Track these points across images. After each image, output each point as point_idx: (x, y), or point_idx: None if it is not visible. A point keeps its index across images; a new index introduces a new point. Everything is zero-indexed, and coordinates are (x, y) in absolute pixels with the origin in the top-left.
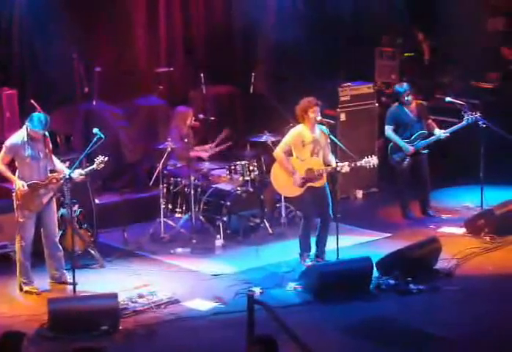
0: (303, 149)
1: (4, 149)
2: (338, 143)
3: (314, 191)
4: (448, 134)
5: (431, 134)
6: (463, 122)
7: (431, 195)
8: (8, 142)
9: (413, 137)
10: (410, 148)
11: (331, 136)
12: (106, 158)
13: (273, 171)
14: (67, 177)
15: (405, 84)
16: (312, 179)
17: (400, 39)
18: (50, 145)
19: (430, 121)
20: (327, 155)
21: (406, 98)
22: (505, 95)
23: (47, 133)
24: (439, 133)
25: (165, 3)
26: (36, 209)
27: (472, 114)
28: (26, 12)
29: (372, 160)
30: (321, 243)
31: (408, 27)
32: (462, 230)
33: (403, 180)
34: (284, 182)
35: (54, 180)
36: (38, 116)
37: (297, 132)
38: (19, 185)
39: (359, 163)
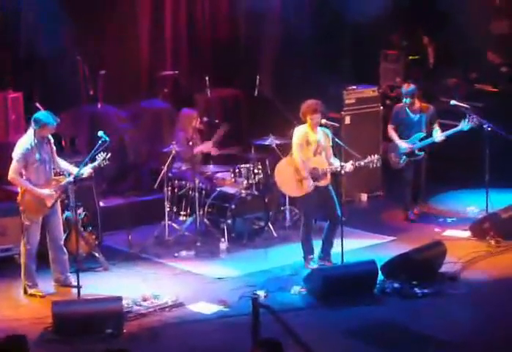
0: (307, 148)
1: (16, 158)
2: (341, 143)
3: (318, 191)
4: (443, 138)
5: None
6: (458, 127)
7: (421, 199)
8: (19, 151)
9: (410, 138)
10: (405, 146)
11: (335, 138)
12: (109, 155)
13: (277, 169)
14: (72, 180)
15: (411, 87)
16: (316, 178)
17: (405, 42)
18: (54, 147)
19: (436, 125)
20: (329, 157)
21: (404, 100)
22: (510, 98)
23: (50, 136)
24: (435, 135)
25: (170, 6)
26: (41, 212)
27: (471, 119)
28: (31, 15)
29: (375, 159)
30: (328, 245)
31: (413, 30)
32: (467, 234)
33: (405, 183)
34: (289, 181)
35: (54, 182)
36: (42, 114)
37: (303, 131)
38: (47, 194)
39: (362, 163)
